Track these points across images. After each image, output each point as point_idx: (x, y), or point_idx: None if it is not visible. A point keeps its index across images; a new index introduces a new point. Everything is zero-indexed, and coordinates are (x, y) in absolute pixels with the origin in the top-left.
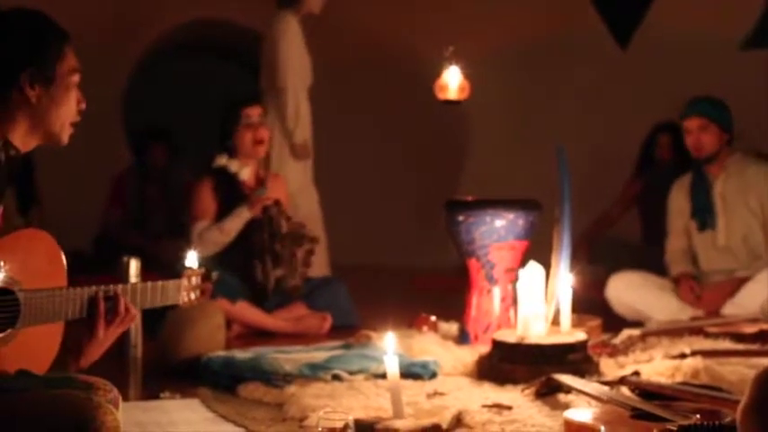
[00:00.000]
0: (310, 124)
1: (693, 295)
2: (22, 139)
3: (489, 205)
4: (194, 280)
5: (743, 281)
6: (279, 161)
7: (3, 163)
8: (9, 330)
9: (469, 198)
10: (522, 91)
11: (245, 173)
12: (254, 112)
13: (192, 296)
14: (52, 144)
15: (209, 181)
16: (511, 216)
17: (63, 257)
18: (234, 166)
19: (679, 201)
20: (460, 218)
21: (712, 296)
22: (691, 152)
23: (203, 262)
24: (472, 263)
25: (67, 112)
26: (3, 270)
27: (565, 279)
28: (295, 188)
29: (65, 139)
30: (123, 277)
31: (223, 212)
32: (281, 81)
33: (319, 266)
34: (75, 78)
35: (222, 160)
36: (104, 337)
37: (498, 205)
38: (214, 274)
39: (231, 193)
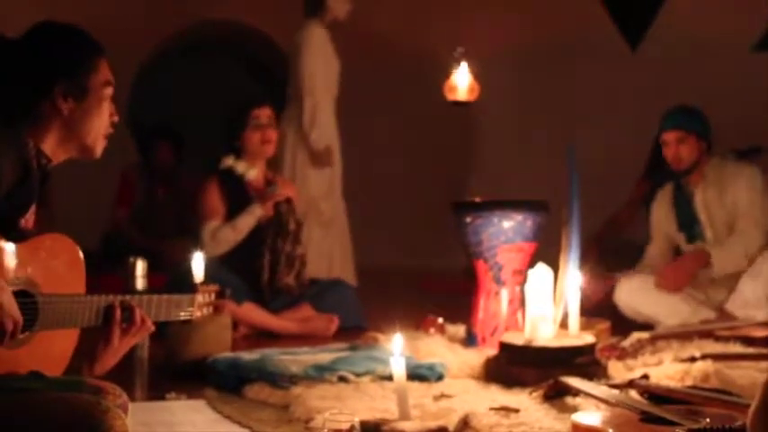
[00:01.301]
0: (335, 133)
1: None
2: (54, 150)
3: (497, 206)
4: (208, 296)
5: (706, 255)
6: (298, 167)
7: (35, 171)
8: (26, 333)
9: (477, 199)
10: (531, 92)
11: (252, 174)
12: (263, 114)
13: (205, 311)
14: (85, 157)
15: (216, 182)
16: (519, 217)
17: (83, 263)
18: (240, 167)
19: (660, 212)
20: (468, 219)
21: (674, 272)
22: (670, 165)
23: (209, 264)
24: (480, 264)
25: (100, 124)
26: (24, 273)
27: (573, 281)
28: (317, 194)
29: (98, 152)
30: (129, 277)
31: (231, 213)
32: (300, 89)
33: (345, 272)
34: (109, 91)
35: (229, 161)
36: (119, 346)
37: (506, 206)
38: (227, 291)
39: (238, 195)
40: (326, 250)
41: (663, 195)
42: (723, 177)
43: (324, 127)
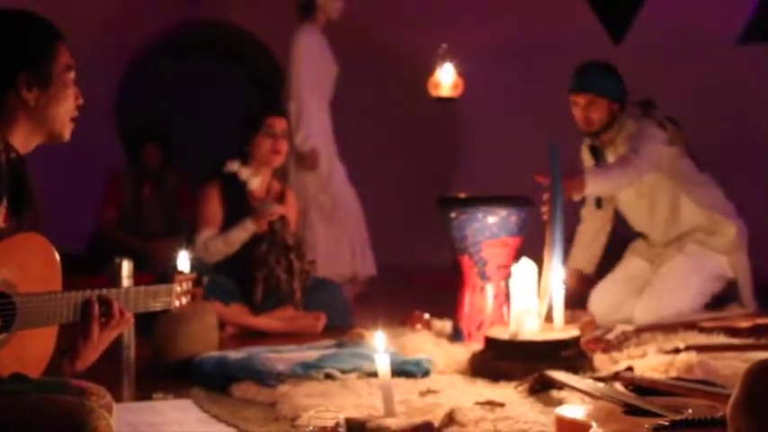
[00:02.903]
0: (327, 135)
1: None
2: (23, 140)
3: (481, 202)
4: (185, 285)
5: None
6: (294, 168)
7: (3, 165)
8: (4, 334)
9: (462, 195)
10: (515, 88)
11: (256, 182)
12: (278, 124)
13: (184, 300)
14: (54, 142)
15: (217, 187)
16: (503, 213)
17: (58, 261)
18: (245, 173)
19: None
20: (453, 215)
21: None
22: (580, 125)
23: (195, 263)
24: (465, 260)
25: (66, 109)
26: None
27: (557, 275)
28: (314, 189)
29: (66, 135)
30: (116, 278)
31: (228, 220)
32: (288, 90)
33: (365, 266)
34: (71, 75)
35: (234, 166)
36: (99, 341)
37: (490, 202)
38: (204, 279)
39: (238, 202)
40: (333, 244)
41: (584, 150)
42: (631, 137)
43: (309, 129)
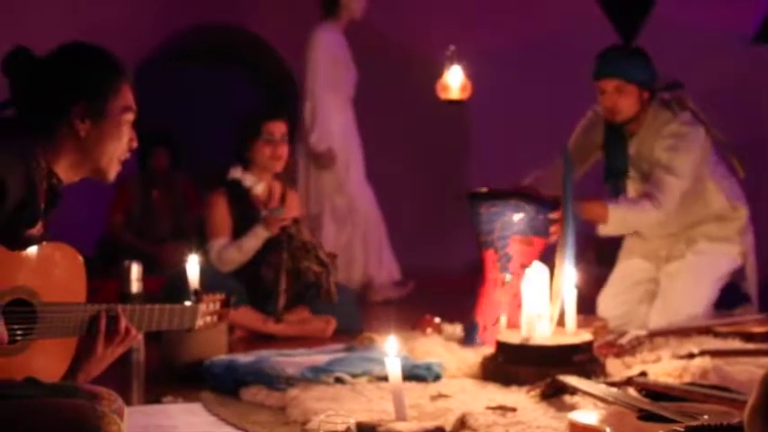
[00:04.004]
0: (345, 133)
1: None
2: (67, 171)
3: (514, 197)
4: (212, 306)
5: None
6: (312, 167)
7: (43, 190)
8: (22, 342)
9: (491, 188)
10: (524, 90)
11: (259, 188)
12: (276, 129)
13: (209, 320)
14: (98, 178)
15: (223, 195)
16: (533, 211)
17: (84, 272)
18: (248, 180)
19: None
20: (483, 208)
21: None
22: (605, 114)
23: (204, 267)
24: (489, 254)
25: (116, 148)
26: (23, 281)
27: (570, 279)
28: (329, 190)
29: (111, 175)
30: (125, 282)
31: (237, 228)
32: (305, 89)
33: (383, 271)
34: (129, 117)
35: (236, 173)
36: (103, 356)
37: (523, 198)
38: (233, 299)
39: (244, 208)
40: (345, 247)
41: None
42: (659, 128)
43: (325, 129)
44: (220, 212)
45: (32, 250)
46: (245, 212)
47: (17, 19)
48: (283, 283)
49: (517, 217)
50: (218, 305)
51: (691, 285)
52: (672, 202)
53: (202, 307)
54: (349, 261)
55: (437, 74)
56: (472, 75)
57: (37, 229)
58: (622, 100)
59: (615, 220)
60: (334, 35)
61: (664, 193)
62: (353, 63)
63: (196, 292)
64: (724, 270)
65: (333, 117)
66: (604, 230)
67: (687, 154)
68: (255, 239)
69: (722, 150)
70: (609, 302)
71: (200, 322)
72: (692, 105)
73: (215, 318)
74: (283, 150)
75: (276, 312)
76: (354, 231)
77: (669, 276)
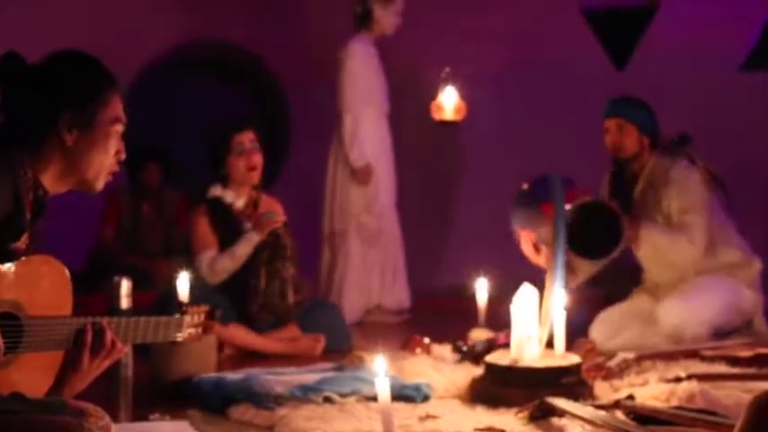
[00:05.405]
0: (382, 147)
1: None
2: (53, 181)
3: None
4: (197, 317)
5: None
6: (338, 183)
7: (29, 202)
8: (8, 355)
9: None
10: (518, 112)
11: (240, 202)
12: (245, 139)
13: (193, 332)
14: (84, 190)
15: (204, 211)
16: None
17: (70, 285)
18: (229, 196)
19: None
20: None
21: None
22: (610, 151)
23: (194, 283)
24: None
25: (103, 160)
26: (10, 295)
27: (559, 301)
28: (357, 209)
29: (98, 187)
30: (114, 297)
31: (222, 241)
32: (340, 104)
33: (397, 300)
34: (118, 128)
35: (216, 191)
36: (88, 370)
37: None
38: (218, 312)
39: (228, 222)
40: (365, 270)
41: (603, 184)
42: (660, 177)
43: (364, 143)
44: (203, 228)
45: (18, 263)
46: (229, 226)
47: (15, 21)
48: (262, 278)
49: None
50: (202, 317)
51: (710, 290)
52: (701, 236)
53: (187, 319)
54: (366, 285)
55: (432, 95)
56: (467, 96)
57: (22, 242)
58: (623, 138)
59: (647, 239)
60: (368, 47)
61: (692, 231)
62: (383, 77)
63: (181, 305)
64: (742, 299)
65: (370, 131)
66: (638, 252)
67: (695, 190)
68: (247, 245)
69: (716, 188)
70: (604, 322)
71: (184, 334)
72: (690, 152)
73: (200, 330)
74: (257, 159)
75: (252, 321)
76: (377, 256)
77: (690, 281)
